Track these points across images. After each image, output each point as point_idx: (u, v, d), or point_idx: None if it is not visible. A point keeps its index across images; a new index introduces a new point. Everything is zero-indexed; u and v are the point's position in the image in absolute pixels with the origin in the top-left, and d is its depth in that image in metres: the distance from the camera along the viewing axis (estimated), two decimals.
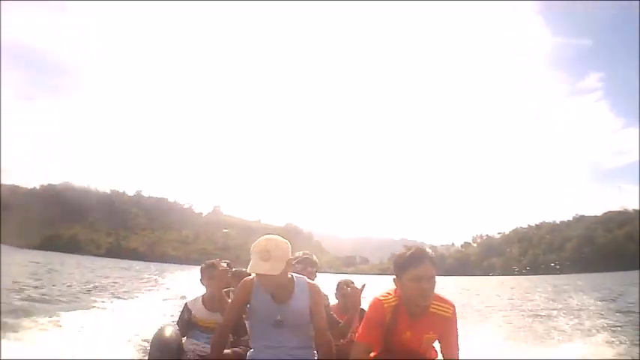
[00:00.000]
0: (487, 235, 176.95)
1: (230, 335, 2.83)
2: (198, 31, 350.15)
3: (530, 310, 12.68)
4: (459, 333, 2.42)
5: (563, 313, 10.15)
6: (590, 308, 10.56)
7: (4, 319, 7.88)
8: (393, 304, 2.32)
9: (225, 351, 2.77)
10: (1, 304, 9.20)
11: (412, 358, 2.33)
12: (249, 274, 2.44)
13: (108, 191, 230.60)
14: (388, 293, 2.38)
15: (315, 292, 2.36)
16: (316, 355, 2.42)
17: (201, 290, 3.58)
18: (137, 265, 56.37)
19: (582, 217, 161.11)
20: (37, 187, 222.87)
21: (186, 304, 3.52)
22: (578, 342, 7.13)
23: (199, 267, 3.55)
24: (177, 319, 3.58)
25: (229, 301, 2.92)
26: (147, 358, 3.04)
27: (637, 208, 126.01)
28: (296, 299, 2.31)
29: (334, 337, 2.56)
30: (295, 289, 2.32)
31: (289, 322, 2.28)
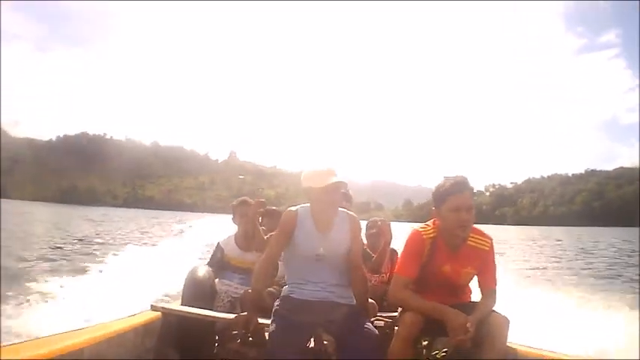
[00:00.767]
0: (500, 185, 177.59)
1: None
2: None
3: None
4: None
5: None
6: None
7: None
8: (432, 235, 2.25)
9: None
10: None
11: (450, 291, 2.29)
12: (281, 213, 2.52)
13: (123, 139, 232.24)
14: (427, 225, 2.31)
15: (355, 222, 2.36)
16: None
17: (229, 232, 3.44)
18: (156, 214, 57.44)
19: (594, 171, 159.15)
20: (54, 138, 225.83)
21: (218, 243, 3.35)
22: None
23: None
24: (207, 261, 3.36)
25: (265, 237, 2.92)
26: (180, 300, 3.03)
27: None
28: (337, 228, 2.30)
29: (367, 272, 2.57)
30: (336, 217, 2.32)
31: (330, 254, 2.26)
